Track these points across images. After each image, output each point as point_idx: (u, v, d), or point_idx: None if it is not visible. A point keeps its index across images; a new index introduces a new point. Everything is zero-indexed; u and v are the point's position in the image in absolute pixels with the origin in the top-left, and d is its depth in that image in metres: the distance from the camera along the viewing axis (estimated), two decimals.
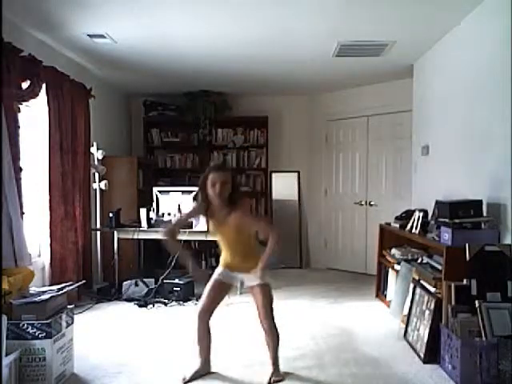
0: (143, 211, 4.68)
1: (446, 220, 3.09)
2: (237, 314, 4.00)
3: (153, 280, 4.72)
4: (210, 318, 2.77)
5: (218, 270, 2.82)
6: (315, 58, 4.64)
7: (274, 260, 2.63)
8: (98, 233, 5.13)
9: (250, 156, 6.48)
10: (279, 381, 2.72)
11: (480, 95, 3.37)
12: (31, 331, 2.57)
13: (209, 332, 2.80)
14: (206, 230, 4.39)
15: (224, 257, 2.81)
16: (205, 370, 2.82)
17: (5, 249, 2.99)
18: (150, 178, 6.08)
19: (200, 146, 6.38)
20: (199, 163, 6.46)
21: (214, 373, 2.85)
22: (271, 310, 2.72)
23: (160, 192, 4.97)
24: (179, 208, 4.77)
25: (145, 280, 4.72)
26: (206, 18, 3.62)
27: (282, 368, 2.84)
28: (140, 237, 4.81)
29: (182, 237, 4.58)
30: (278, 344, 2.78)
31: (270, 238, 2.63)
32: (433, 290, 3.15)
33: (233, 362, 3.02)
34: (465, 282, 2.83)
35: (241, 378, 2.80)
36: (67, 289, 2.91)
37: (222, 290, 2.78)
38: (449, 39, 3.95)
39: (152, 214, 4.77)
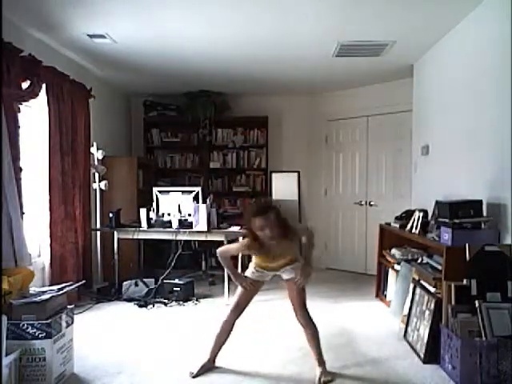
0: (143, 211, 4.68)
1: (446, 220, 3.09)
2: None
3: (153, 280, 4.73)
4: (239, 316, 2.86)
5: (252, 269, 2.85)
6: (315, 58, 4.64)
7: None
8: (98, 233, 5.13)
9: (250, 156, 6.48)
10: (329, 381, 2.70)
11: (480, 95, 3.37)
12: (31, 331, 2.57)
13: (231, 330, 2.88)
14: (206, 230, 4.42)
15: (260, 261, 2.81)
16: (210, 365, 2.89)
17: (5, 249, 2.99)
18: (150, 177, 6.07)
19: (200, 146, 6.38)
20: (199, 163, 6.47)
21: (218, 367, 2.90)
22: (305, 304, 2.84)
23: (160, 192, 4.96)
24: (179, 208, 4.77)
25: (145, 280, 4.72)
26: (206, 18, 3.62)
27: (282, 367, 2.85)
28: (140, 237, 4.80)
29: (183, 237, 4.60)
30: (318, 338, 2.84)
31: (305, 241, 2.89)
32: (433, 290, 3.15)
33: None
34: (465, 282, 2.82)
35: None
36: (67, 289, 2.91)
37: (255, 288, 2.86)
38: (449, 39, 3.95)
39: (152, 214, 4.77)
